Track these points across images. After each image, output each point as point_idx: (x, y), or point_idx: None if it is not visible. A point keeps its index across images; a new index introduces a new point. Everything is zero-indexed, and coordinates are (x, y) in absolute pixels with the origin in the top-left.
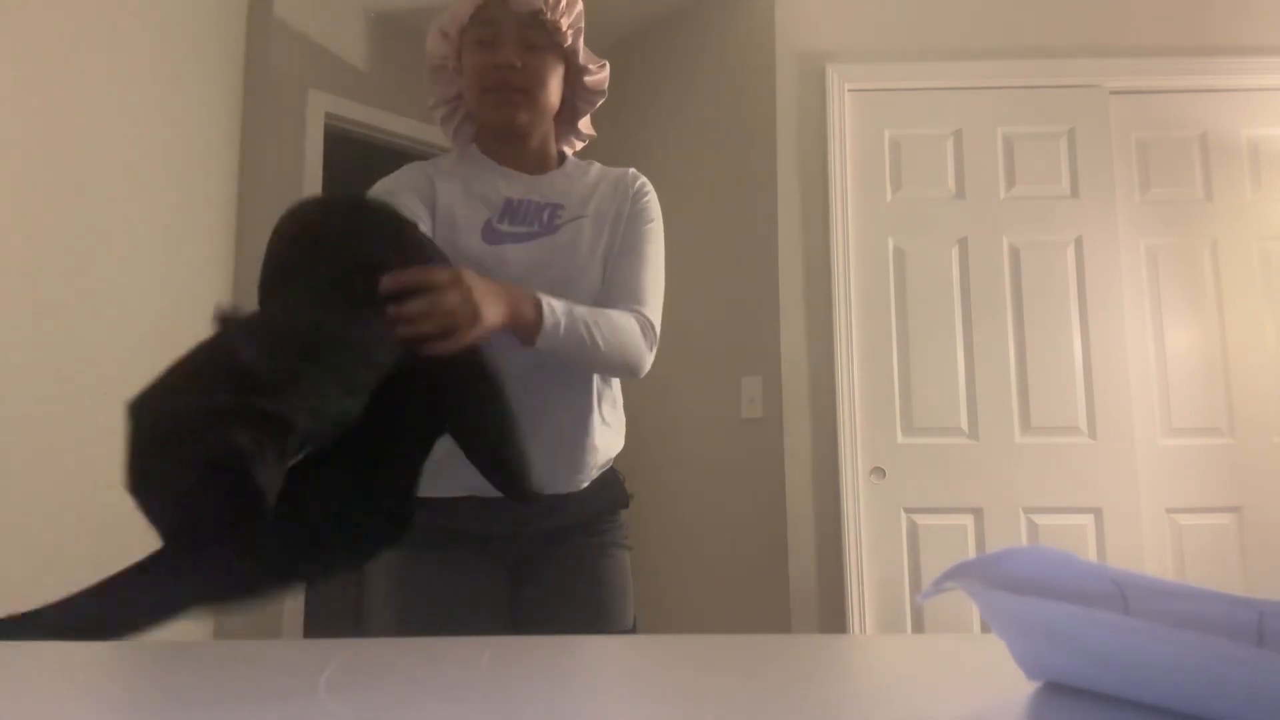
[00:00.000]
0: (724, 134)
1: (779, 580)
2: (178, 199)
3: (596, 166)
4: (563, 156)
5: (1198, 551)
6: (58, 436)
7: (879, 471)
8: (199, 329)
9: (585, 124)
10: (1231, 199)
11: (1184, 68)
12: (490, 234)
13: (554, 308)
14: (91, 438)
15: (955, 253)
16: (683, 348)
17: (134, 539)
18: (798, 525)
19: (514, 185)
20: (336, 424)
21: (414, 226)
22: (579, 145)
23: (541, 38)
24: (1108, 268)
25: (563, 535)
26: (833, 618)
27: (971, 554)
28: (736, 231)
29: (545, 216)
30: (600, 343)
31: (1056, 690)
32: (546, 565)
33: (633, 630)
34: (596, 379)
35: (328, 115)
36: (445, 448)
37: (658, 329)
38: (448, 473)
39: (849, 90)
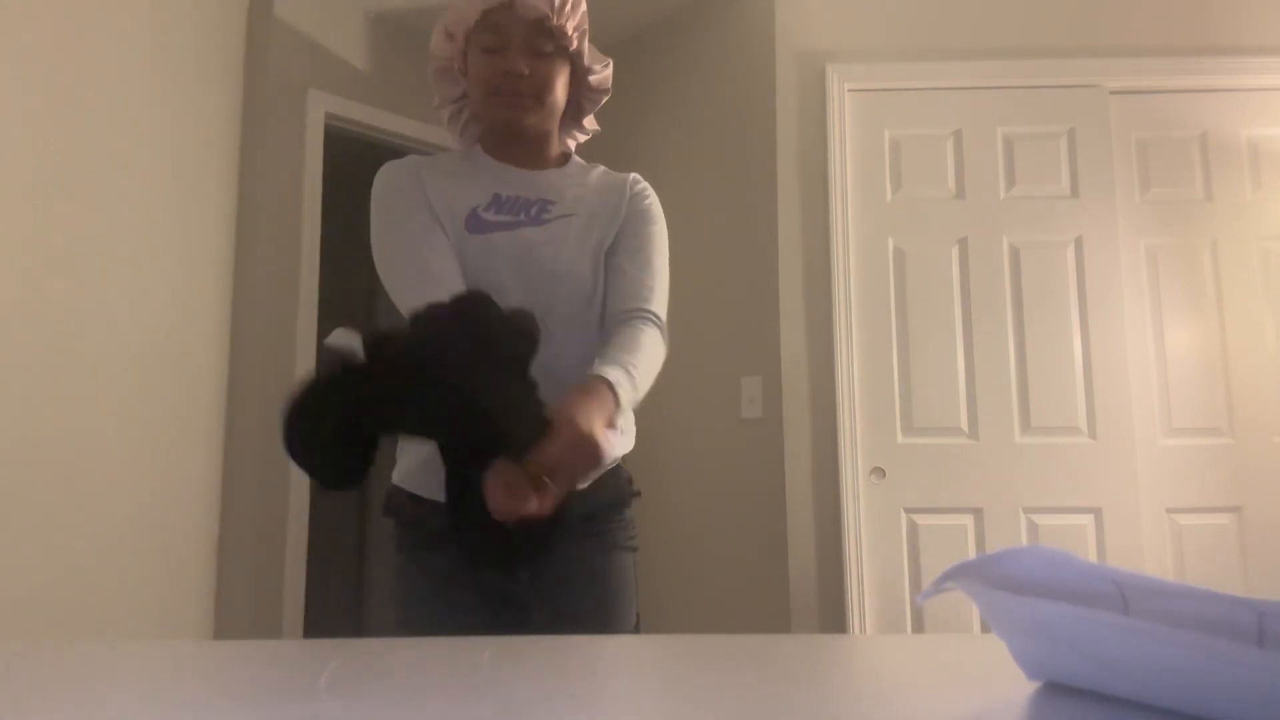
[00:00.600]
0: (724, 134)
1: (779, 580)
2: (177, 199)
3: (600, 170)
4: (566, 156)
5: (1198, 551)
6: (56, 437)
7: (879, 471)
8: (199, 329)
9: (590, 120)
10: (1231, 199)
11: (1184, 68)
12: (475, 223)
13: (621, 384)
14: (90, 438)
15: (955, 253)
16: (683, 348)
17: (134, 538)
18: (798, 525)
19: (507, 182)
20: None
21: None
22: (582, 139)
23: (547, 43)
24: (1108, 268)
25: (562, 532)
26: (833, 618)
27: (971, 554)
28: (736, 231)
29: (534, 210)
30: (645, 381)
31: (1056, 690)
32: (546, 563)
33: (636, 631)
34: None
35: (328, 115)
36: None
37: (665, 326)
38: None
39: (849, 90)
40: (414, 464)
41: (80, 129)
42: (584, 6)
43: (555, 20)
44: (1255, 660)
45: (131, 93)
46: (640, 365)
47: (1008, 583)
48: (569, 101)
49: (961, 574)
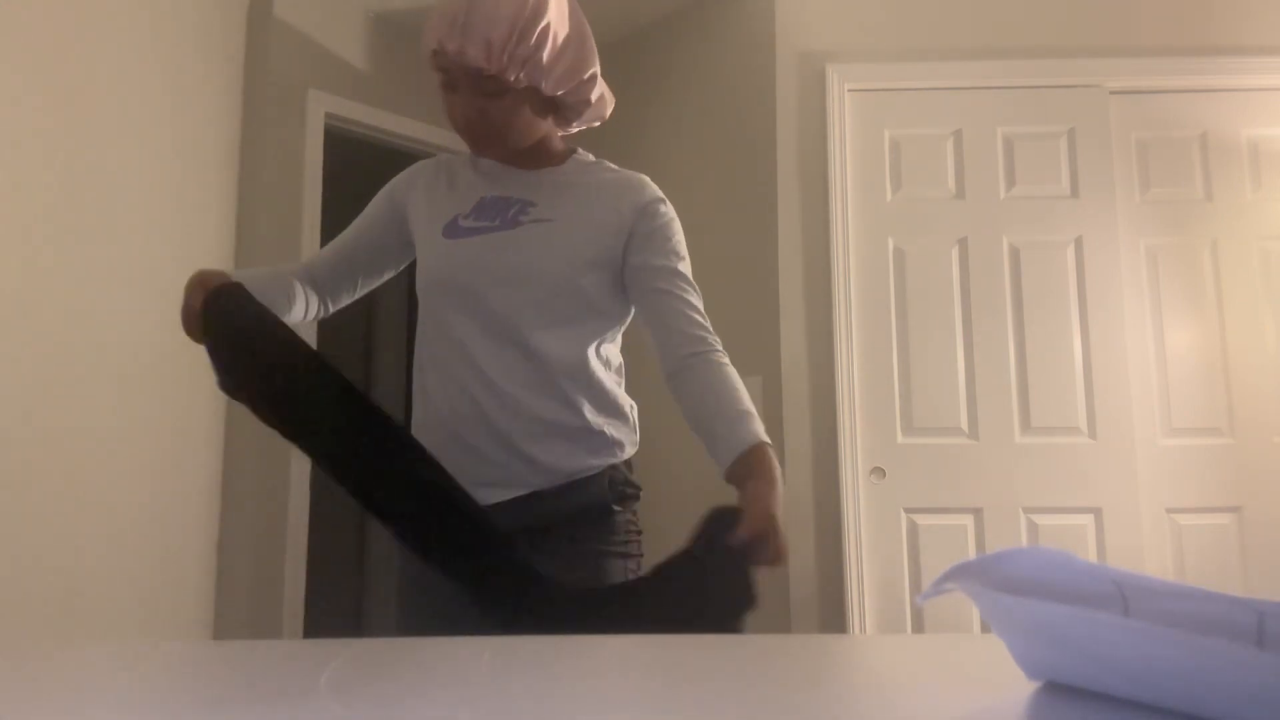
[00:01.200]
0: (724, 134)
1: (779, 580)
2: (177, 199)
3: (604, 169)
4: (566, 154)
5: (1198, 551)
6: (56, 436)
7: (879, 471)
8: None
9: (589, 113)
10: (1231, 199)
11: (1184, 68)
12: (452, 229)
13: (760, 432)
14: (90, 438)
15: (955, 253)
16: None
17: (134, 538)
18: (798, 525)
19: (496, 183)
20: None
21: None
22: (592, 124)
23: (495, 85)
24: (1108, 268)
25: (540, 538)
26: (833, 618)
27: (971, 554)
28: (736, 231)
29: (511, 212)
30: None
31: (1056, 690)
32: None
33: None
34: (576, 380)
35: (328, 115)
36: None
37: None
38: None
39: (849, 90)
40: None
41: (80, 129)
42: (535, 32)
43: (491, 68)
44: (1255, 660)
45: (131, 93)
46: (750, 406)
47: (1008, 583)
48: (554, 112)
49: (961, 575)
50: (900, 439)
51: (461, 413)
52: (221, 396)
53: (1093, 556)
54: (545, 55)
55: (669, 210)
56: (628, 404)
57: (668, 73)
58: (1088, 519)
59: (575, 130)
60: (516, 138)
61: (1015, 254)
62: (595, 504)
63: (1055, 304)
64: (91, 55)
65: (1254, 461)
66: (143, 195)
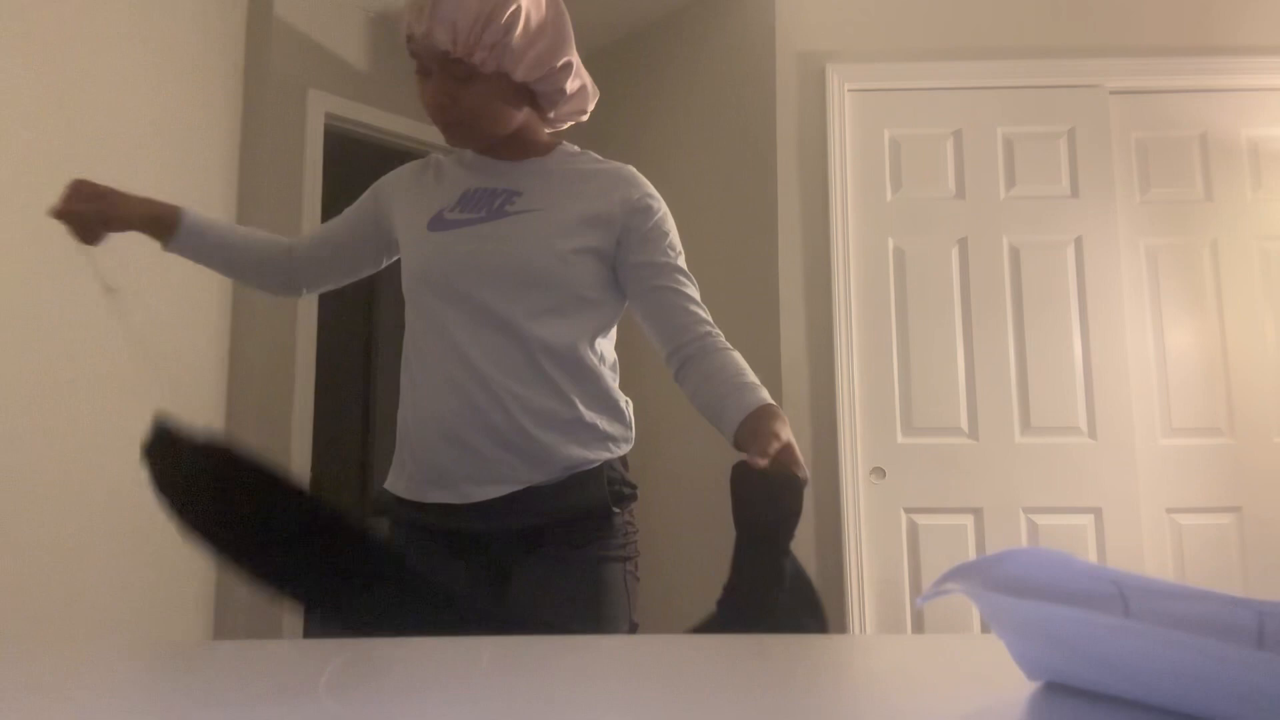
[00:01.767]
0: (724, 134)
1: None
2: (178, 198)
3: (591, 159)
4: (551, 144)
5: (1198, 551)
6: (56, 437)
7: (879, 471)
8: (198, 330)
9: (568, 105)
10: (1231, 199)
11: (1184, 68)
12: (437, 222)
13: (766, 397)
14: (87, 439)
15: (955, 253)
16: None
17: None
18: (798, 525)
19: (480, 175)
20: None
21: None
22: (577, 118)
23: (464, 69)
24: (1108, 268)
25: (536, 538)
26: (833, 618)
27: (971, 554)
28: (736, 231)
29: (496, 203)
30: None
31: (1056, 690)
32: (522, 572)
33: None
34: (567, 371)
35: (328, 115)
36: (408, 447)
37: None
38: (409, 470)
39: (849, 90)
40: (399, 471)
41: (80, 129)
42: (505, 16)
43: (456, 51)
44: (1255, 661)
45: (131, 92)
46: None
47: (1008, 584)
48: (530, 101)
49: (961, 575)
50: (900, 439)
51: (451, 408)
52: (221, 396)
53: (1093, 556)
54: (515, 40)
55: (661, 205)
56: (622, 400)
57: (668, 73)
58: (1088, 519)
59: (564, 126)
60: (489, 125)
61: (1015, 254)
62: (594, 506)
63: (1055, 304)
64: (91, 55)
65: (1254, 461)
66: (142, 194)
